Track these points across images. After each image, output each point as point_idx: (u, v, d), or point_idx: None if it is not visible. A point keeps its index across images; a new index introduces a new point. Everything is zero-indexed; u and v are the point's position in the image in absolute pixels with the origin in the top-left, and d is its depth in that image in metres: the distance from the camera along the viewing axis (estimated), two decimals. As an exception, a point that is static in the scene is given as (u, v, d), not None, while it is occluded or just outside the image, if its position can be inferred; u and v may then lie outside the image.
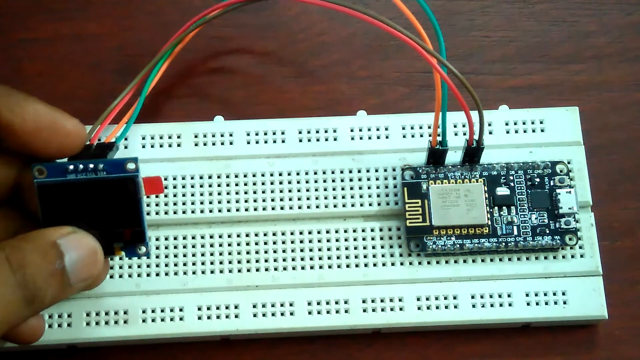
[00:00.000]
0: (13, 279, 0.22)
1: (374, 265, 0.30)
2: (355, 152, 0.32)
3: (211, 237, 0.31)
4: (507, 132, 0.32)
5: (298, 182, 0.31)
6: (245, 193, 0.31)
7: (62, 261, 0.23)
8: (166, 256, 0.30)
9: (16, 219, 0.26)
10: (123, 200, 0.25)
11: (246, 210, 0.31)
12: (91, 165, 0.25)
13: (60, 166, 0.25)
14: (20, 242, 0.23)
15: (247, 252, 0.30)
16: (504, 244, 0.30)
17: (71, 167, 0.25)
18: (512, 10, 0.36)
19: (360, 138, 0.32)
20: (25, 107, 0.24)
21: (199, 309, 0.30)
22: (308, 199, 0.31)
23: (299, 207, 0.31)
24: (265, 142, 0.32)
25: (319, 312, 0.30)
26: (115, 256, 0.28)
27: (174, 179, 0.31)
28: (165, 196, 0.31)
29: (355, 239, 0.31)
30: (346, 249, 0.30)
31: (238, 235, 0.31)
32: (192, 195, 0.31)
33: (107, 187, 0.25)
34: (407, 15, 0.27)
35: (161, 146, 0.32)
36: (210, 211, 0.31)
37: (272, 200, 0.31)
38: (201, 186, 0.31)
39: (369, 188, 0.31)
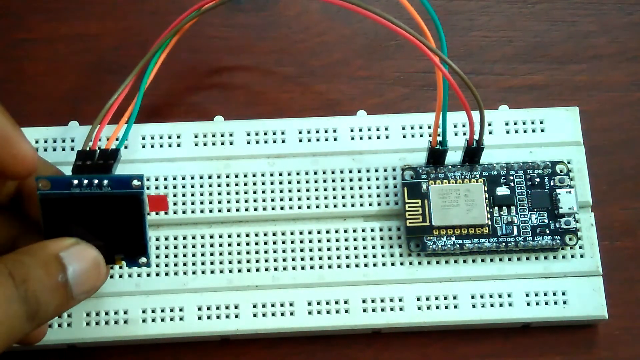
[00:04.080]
0: (16, 294, 0.22)
1: (374, 265, 0.30)
2: (355, 152, 0.32)
3: (211, 237, 0.30)
4: (507, 132, 0.32)
5: (298, 182, 0.31)
6: (245, 193, 0.31)
7: (64, 274, 0.23)
8: (166, 256, 0.30)
9: (17, 224, 0.26)
10: (127, 215, 0.26)
11: (246, 210, 0.31)
12: (96, 181, 0.25)
13: (64, 180, 0.25)
14: (22, 255, 0.23)
15: (247, 252, 0.30)
16: (504, 244, 0.30)
17: (75, 181, 0.25)
18: (512, 10, 0.36)
19: (360, 138, 0.32)
20: None
21: (199, 309, 0.30)
22: (308, 199, 0.31)
23: (299, 207, 0.31)
24: (265, 142, 0.32)
25: (319, 312, 0.30)
26: (116, 265, 0.28)
27: (174, 179, 0.31)
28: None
29: (355, 239, 0.30)
30: (346, 249, 0.30)
31: (238, 235, 0.30)
32: (192, 195, 0.31)
33: (111, 203, 0.25)
34: (410, 13, 0.27)
35: (161, 146, 0.32)
36: (210, 211, 0.31)
37: (272, 200, 0.31)
38: (201, 186, 0.31)
39: (369, 188, 0.31)
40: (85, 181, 0.25)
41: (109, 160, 0.26)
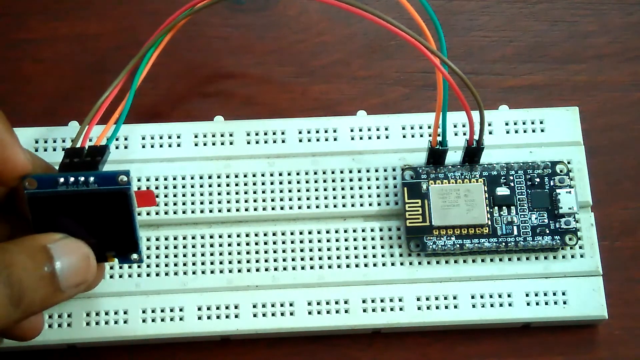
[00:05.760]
0: None
1: (374, 265, 0.30)
2: (355, 152, 0.32)
3: (211, 237, 0.30)
4: (507, 132, 0.32)
5: (298, 182, 0.31)
6: (245, 193, 0.31)
7: (51, 265, 0.23)
8: (166, 256, 0.30)
9: (11, 223, 0.26)
10: (115, 212, 0.25)
11: (246, 210, 0.31)
12: (82, 178, 0.25)
13: (51, 178, 0.25)
14: (7, 244, 0.23)
15: (247, 252, 0.30)
16: (504, 244, 0.30)
17: (62, 179, 0.25)
18: (512, 10, 0.36)
19: (360, 138, 0.32)
20: None
21: (199, 309, 0.30)
22: (308, 199, 0.31)
23: (299, 207, 0.31)
24: (265, 142, 0.32)
25: (319, 312, 0.30)
26: (109, 262, 0.28)
27: (174, 179, 0.31)
28: (165, 196, 0.31)
29: (355, 239, 0.30)
30: (346, 249, 0.30)
31: (238, 235, 0.30)
32: (192, 195, 0.31)
33: (99, 200, 0.25)
34: (411, 14, 0.27)
35: (161, 146, 0.32)
36: (210, 211, 0.31)
37: (272, 200, 0.31)
38: (201, 186, 0.31)
39: (369, 188, 0.31)
40: (72, 179, 0.25)
41: (96, 156, 0.26)
